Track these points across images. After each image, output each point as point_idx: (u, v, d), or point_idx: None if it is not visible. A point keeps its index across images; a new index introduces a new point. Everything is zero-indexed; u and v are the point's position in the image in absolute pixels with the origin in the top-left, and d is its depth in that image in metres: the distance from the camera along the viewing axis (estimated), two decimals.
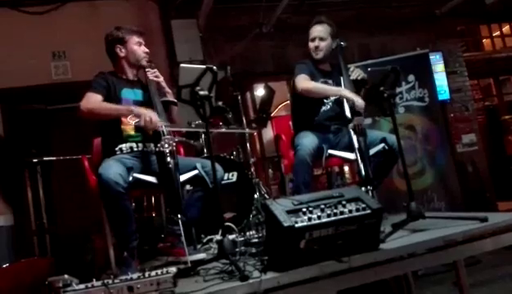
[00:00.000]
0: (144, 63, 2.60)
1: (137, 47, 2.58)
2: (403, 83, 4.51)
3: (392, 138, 2.72)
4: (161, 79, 2.62)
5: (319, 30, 2.92)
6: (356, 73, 2.85)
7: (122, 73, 2.61)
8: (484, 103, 7.55)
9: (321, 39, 2.91)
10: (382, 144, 2.69)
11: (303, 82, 2.83)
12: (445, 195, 4.44)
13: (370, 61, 4.36)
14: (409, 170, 2.64)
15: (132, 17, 4.64)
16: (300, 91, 2.84)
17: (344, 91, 2.75)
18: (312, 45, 2.94)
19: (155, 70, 2.62)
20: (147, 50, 2.61)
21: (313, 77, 2.88)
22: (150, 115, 2.30)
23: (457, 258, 2.20)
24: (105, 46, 2.61)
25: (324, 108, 2.91)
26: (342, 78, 2.85)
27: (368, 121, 4.10)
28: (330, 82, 2.93)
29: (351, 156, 2.71)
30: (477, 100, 7.02)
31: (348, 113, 2.69)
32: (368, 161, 2.56)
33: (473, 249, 2.10)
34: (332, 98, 2.87)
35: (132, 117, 2.35)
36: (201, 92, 2.10)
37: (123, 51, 2.57)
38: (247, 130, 3.79)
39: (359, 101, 2.66)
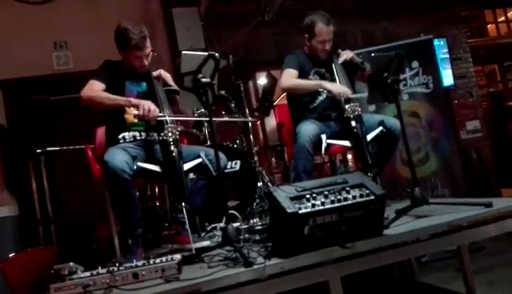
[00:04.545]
0: (140, 73, 2.52)
1: (134, 60, 2.47)
2: (407, 70, 4.46)
3: (389, 120, 2.71)
4: (168, 78, 2.57)
5: (331, 32, 2.84)
6: (343, 56, 2.83)
7: (127, 65, 2.55)
8: (488, 89, 7.48)
9: (330, 40, 2.86)
10: (380, 128, 2.68)
11: (286, 80, 2.81)
12: (449, 182, 4.42)
13: (373, 47, 4.32)
14: (413, 157, 2.63)
15: (134, 6, 4.61)
16: (283, 90, 2.85)
17: (324, 84, 2.74)
18: (321, 46, 2.85)
19: (161, 71, 2.56)
20: (145, 63, 2.48)
21: (304, 69, 2.86)
22: (148, 105, 2.29)
23: (461, 243, 2.20)
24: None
25: (320, 98, 2.87)
26: (333, 65, 2.84)
27: (372, 108, 4.09)
28: (323, 70, 2.89)
29: (349, 143, 2.71)
30: (481, 86, 6.96)
31: (342, 101, 2.68)
32: (367, 147, 2.56)
33: (478, 234, 2.09)
34: None
35: (131, 108, 2.35)
36: (203, 79, 2.08)
37: (121, 54, 2.52)
38: (249, 118, 3.75)
39: (338, 91, 2.65)
